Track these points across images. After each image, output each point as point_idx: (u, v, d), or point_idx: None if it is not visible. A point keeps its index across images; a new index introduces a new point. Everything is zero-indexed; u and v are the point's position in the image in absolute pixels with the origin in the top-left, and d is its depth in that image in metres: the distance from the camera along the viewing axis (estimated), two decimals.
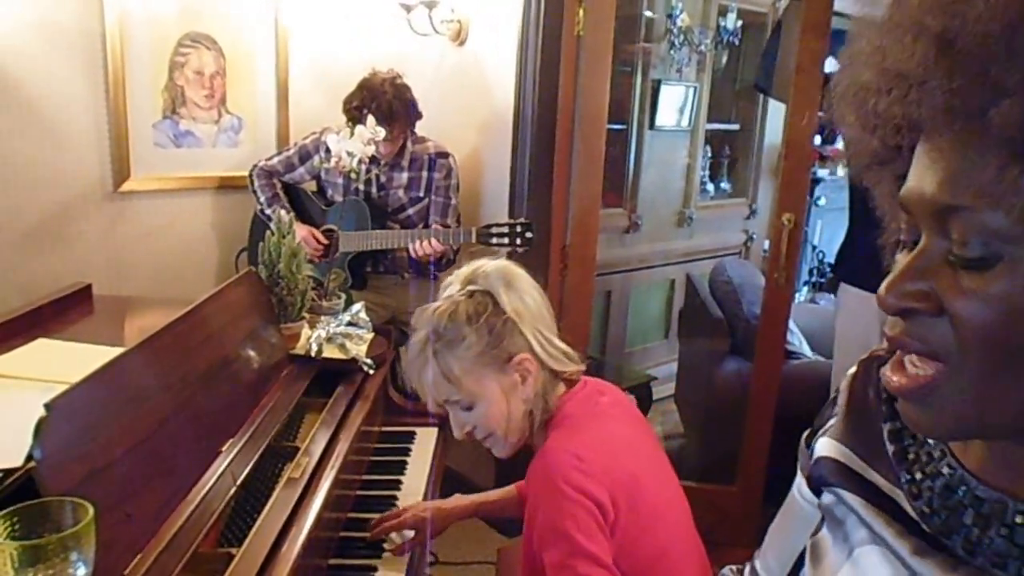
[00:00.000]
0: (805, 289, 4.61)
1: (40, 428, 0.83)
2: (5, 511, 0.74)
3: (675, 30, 3.32)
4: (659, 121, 3.43)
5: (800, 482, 0.62)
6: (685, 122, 3.59)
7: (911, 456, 0.50)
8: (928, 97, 0.39)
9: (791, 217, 2.13)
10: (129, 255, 2.47)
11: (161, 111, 2.45)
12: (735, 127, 4.00)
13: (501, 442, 1.18)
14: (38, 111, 2.21)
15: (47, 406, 0.85)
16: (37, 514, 0.75)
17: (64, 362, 1.42)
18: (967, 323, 0.40)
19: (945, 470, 0.48)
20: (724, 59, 3.68)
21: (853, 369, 0.60)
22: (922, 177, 0.42)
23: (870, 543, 0.51)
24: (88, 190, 2.35)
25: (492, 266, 1.17)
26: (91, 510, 0.74)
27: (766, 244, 3.93)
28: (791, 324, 2.30)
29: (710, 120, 3.74)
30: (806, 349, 2.59)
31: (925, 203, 0.42)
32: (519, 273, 1.18)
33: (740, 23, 3.57)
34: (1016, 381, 0.40)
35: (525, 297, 1.15)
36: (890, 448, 0.51)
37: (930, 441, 0.50)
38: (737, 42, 3.61)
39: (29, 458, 1.01)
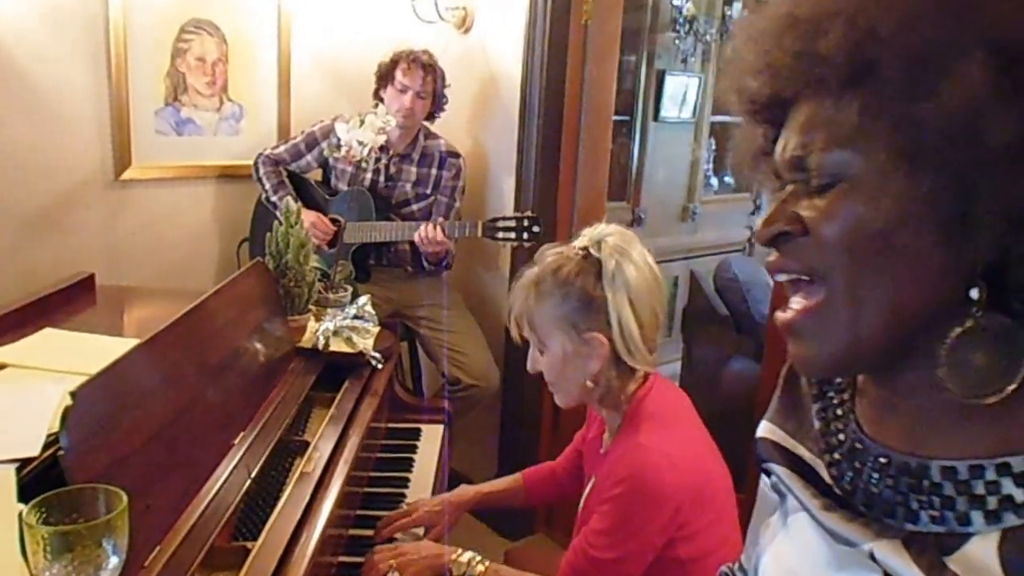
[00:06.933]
0: None
1: (66, 417, 0.82)
2: (38, 498, 0.72)
3: (680, 19, 3.28)
4: (663, 113, 3.39)
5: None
6: (689, 114, 3.55)
7: (832, 429, 0.56)
8: (790, 74, 0.51)
9: None
10: (129, 244, 2.44)
11: (163, 98, 2.42)
12: (740, 119, 3.96)
13: (559, 394, 1.24)
14: (41, 97, 2.17)
15: (72, 395, 0.83)
16: (67, 503, 0.73)
17: (72, 352, 1.40)
18: (826, 236, 0.48)
19: (851, 436, 0.54)
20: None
21: (790, 360, 0.66)
22: (786, 139, 0.53)
23: (799, 510, 0.57)
24: (89, 178, 2.31)
25: (616, 237, 1.16)
26: (125, 498, 0.73)
27: None
28: None
29: (715, 112, 3.69)
30: None
31: (787, 154, 0.52)
32: (637, 250, 1.16)
33: (746, 12, 3.53)
34: (873, 291, 0.47)
35: (631, 278, 1.14)
36: (817, 424, 0.58)
37: (848, 416, 0.55)
38: None
39: (45, 447, 1.00)
